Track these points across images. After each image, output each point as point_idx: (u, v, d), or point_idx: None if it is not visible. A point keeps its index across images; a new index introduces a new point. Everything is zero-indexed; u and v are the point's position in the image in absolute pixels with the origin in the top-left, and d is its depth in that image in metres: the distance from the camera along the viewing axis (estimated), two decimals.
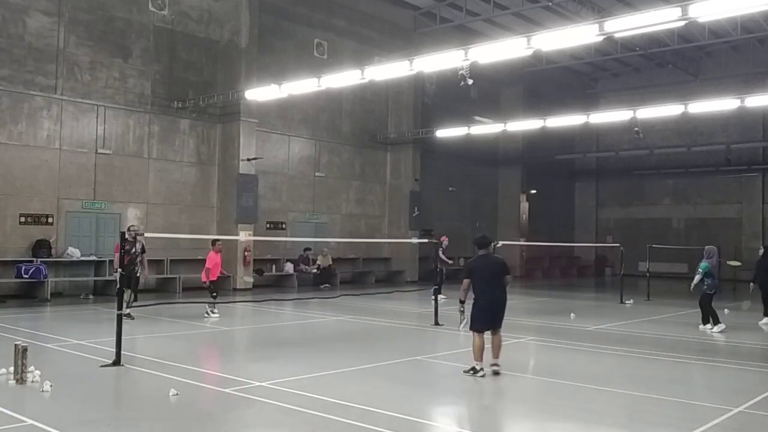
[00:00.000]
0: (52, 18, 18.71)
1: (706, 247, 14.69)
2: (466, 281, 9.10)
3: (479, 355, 8.81)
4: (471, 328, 9.02)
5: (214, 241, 15.81)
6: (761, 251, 15.88)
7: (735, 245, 31.49)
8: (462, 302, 9.49)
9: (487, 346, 8.97)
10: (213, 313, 14.79)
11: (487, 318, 8.94)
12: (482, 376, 8.68)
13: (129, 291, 13.02)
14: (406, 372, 9.51)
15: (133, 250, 13.85)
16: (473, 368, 8.81)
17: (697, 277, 14.18)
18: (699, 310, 14.35)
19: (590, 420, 7.24)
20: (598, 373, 9.46)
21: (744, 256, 30.62)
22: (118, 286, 9.81)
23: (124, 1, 20.19)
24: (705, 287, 14.10)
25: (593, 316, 16.68)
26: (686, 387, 8.73)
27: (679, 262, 31.73)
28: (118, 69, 20.06)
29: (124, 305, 13.25)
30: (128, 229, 13.92)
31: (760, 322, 15.20)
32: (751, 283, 15.69)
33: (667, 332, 13.91)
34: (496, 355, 8.97)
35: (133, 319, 13.46)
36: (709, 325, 14.06)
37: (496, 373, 8.81)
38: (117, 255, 13.18)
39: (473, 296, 9.07)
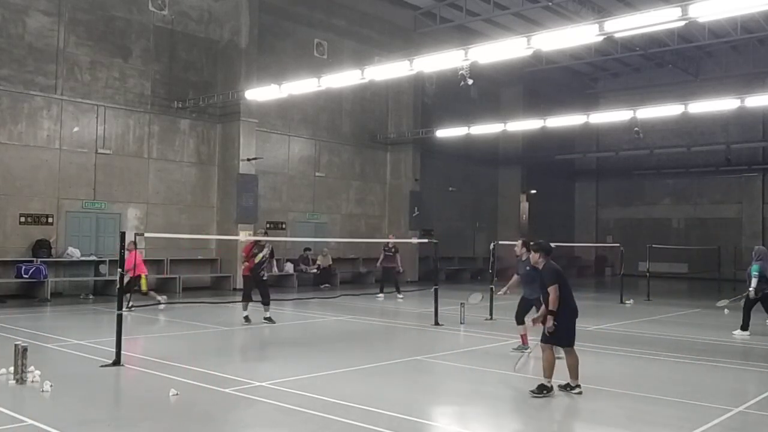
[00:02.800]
0: (52, 18, 18.71)
1: (756, 247, 14.14)
2: (556, 287, 7.94)
3: (551, 371, 7.93)
4: (562, 344, 8.07)
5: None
6: None
7: (735, 245, 31.52)
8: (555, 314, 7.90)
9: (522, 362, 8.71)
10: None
11: (574, 330, 8.08)
12: (552, 395, 7.85)
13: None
14: (406, 372, 9.51)
15: (262, 254, 13.91)
16: (543, 386, 7.88)
17: (754, 281, 13.40)
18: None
19: (590, 420, 7.24)
20: (598, 373, 9.45)
21: (744, 256, 30.68)
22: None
23: (124, 1, 20.19)
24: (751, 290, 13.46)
25: (593, 316, 16.67)
26: (686, 387, 8.72)
27: (679, 262, 31.77)
28: (118, 69, 20.06)
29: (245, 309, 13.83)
30: (257, 233, 14.79)
31: None
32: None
33: (667, 332, 13.91)
34: (576, 375, 8.07)
35: (250, 322, 13.78)
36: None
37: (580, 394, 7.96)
38: (246, 256, 13.84)
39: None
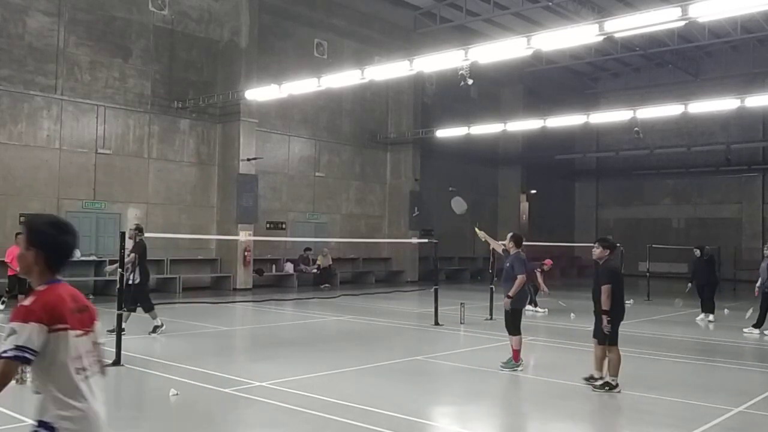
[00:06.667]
0: (52, 18, 18.71)
1: None
2: (609, 287, 8.12)
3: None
4: (612, 343, 8.17)
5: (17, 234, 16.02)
6: (697, 252, 16.33)
7: (735, 245, 31.54)
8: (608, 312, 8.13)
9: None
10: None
11: None
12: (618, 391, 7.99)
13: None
14: (406, 372, 9.51)
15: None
16: (609, 383, 8.04)
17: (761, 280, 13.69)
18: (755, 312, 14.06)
19: (590, 420, 7.24)
20: None
21: (744, 256, 30.74)
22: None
23: (124, 1, 20.19)
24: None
25: (593, 316, 16.64)
26: (686, 387, 8.72)
27: (679, 262, 31.74)
28: (118, 69, 20.06)
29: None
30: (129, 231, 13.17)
31: (697, 318, 15.57)
32: (689, 284, 16.60)
33: (667, 332, 13.91)
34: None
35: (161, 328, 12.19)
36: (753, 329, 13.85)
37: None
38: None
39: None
